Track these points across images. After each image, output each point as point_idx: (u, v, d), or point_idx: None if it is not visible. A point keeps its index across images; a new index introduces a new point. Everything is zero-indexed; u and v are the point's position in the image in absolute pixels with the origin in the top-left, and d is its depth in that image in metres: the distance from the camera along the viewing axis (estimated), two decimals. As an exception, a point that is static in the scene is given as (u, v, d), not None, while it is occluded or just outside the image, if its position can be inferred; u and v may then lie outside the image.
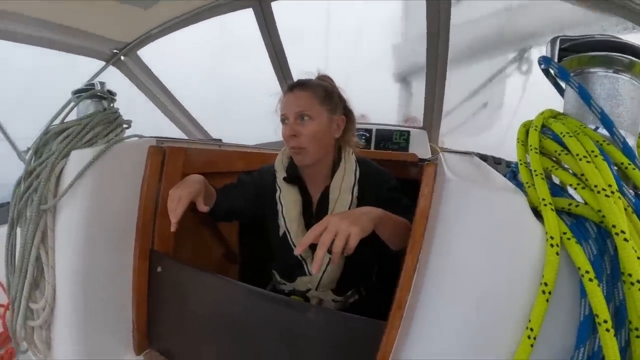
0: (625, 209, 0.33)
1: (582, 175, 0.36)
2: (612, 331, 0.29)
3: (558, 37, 0.44)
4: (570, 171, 0.39)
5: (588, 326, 0.31)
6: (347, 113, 0.88)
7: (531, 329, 0.32)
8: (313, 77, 0.89)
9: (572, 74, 0.42)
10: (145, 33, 1.43)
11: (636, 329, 0.29)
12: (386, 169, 0.90)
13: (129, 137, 0.83)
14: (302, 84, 0.83)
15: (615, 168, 0.37)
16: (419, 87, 1.79)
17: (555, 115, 0.46)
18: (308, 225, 0.85)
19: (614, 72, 0.41)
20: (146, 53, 1.60)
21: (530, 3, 1.54)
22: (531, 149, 0.42)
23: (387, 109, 2.20)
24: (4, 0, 1.00)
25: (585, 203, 0.35)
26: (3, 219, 0.79)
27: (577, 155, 0.37)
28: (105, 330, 0.76)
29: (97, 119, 0.76)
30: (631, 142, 0.40)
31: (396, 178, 0.87)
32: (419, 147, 1.85)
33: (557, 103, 0.49)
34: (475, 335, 0.36)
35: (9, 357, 1.18)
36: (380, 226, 0.60)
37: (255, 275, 1.03)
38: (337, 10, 2.23)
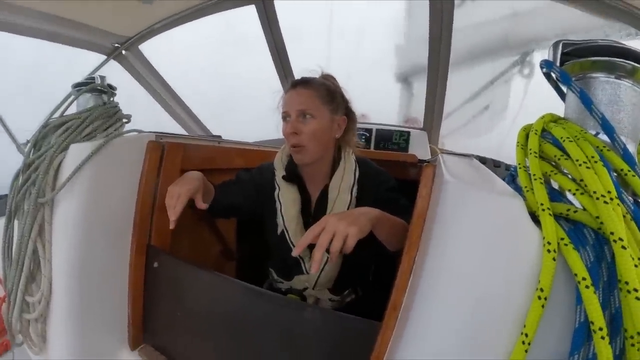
0: (624, 216, 0.33)
1: (582, 180, 0.36)
2: (607, 339, 0.29)
3: (560, 41, 0.44)
4: (570, 176, 0.38)
5: (583, 333, 0.31)
6: (349, 113, 0.88)
7: (526, 334, 0.32)
8: (317, 75, 0.88)
9: (573, 79, 0.42)
10: (148, 28, 1.43)
11: (632, 337, 0.29)
12: (385, 169, 0.90)
13: (128, 131, 0.83)
14: (306, 82, 0.82)
15: (615, 174, 0.36)
16: (420, 87, 1.78)
17: (555, 119, 0.46)
18: (306, 224, 0.85)
19: (615, 78, 0.40)
20: (148, 48, 1.59)
21: (535, 8, 1.53)
22: (531, 153, 0.42)
23: (388, 109, 2.19)
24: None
25: (584, 209, 0.35)
26: (0, 212, 0.79)
27: (577, 160, 0.36)
28: (100, 325, 0.76)
29: (97, 113, 0.76)
30: (631, 148, 0.40)
31: (395, 178, 0.87)
32: (419, 148, 1.85)
33: (558, 107, 0.48)
34: (469, 338, 0.36)
35: (5, 350, 1.18)
36: (378, 227, 0.60)
37: (252, 272, 1.03)
38: (340, 9, 2.22)
